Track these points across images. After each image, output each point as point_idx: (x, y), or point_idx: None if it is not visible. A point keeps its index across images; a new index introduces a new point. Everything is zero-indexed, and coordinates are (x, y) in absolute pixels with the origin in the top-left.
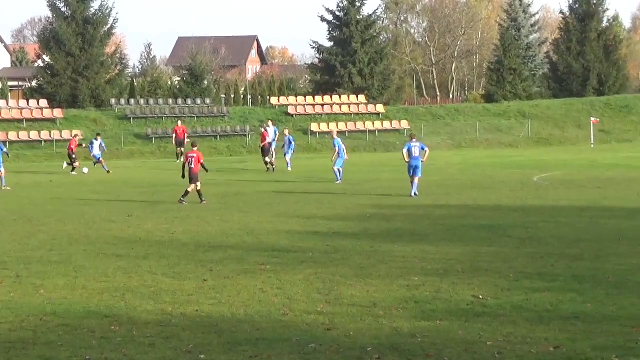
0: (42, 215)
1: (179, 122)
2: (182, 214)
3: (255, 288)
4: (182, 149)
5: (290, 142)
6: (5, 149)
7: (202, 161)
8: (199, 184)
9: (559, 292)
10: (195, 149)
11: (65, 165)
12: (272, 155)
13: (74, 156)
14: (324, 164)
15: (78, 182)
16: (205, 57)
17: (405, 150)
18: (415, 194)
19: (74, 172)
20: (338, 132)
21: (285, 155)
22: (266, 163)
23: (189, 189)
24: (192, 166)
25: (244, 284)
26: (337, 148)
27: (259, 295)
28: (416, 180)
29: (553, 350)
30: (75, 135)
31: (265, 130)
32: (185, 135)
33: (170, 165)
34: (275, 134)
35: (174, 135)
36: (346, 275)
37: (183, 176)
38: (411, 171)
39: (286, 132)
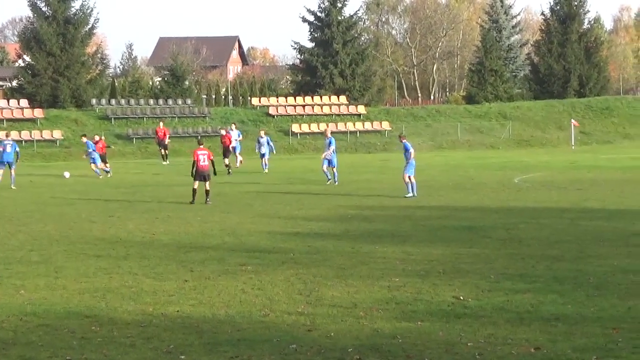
0: (23, 215)
1: (161, 124)
2: (163, 214)
3: (236, 289)
4: (165, 151)
5: (268, 143)
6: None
7: (212, 159)
8: (208, 183)
9: (539, 293)
10: (202, 146)
11: (108, 173)
12: (237, 158)
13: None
14: (305, 165)
15: (59, 182)
16: (186, 57)
17: (413, 151)
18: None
19: (110, 174)
20: (319, 132)
21: (261, 156)
22: (227, 165)
23: (207, 188)
24: (205, 163)
25: (225, 284)
26: (333, 147)
27: (239, 296)
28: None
29: (534, 352)
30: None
31: (228, 132)
32: (167, 136)
33: (151, 167)
34: (239, 137)
35: (156, 136)
36: (327, 276)
37: (192, 174)
38: (413, 171)
39: (262, 133)
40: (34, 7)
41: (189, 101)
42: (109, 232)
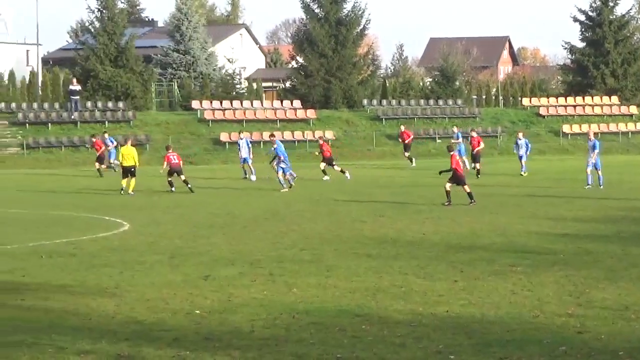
0: (294, 214)
1: (402, 127)
2: (433, 214)
3: (505, 289)
4: (408, 154)
5: (526, 145)
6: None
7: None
8: (466, 186)
9: None
10: (454, 152)
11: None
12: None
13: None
14: (576, 166)
15: (324, 181)
16: (456, 57)
17: None
18: None
19: (327, 177)
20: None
21: (519, 158)
22: (477, 169)
23: (467, 190)
24: (455, 166)
25: (495, 285)
26: (597, 150)
27: (509, 297)
28: None
29: None
30: (321, 138)
31: (477, 134)
32: (411, 138)
33: (418, 170)
34: (459, 138)
35: (400, 139)
36: (597, 278)
37: (440, 173)
38: None
39: (520, 135)
40: (306, 9)
41: (459, 101)
42: (379, 231)
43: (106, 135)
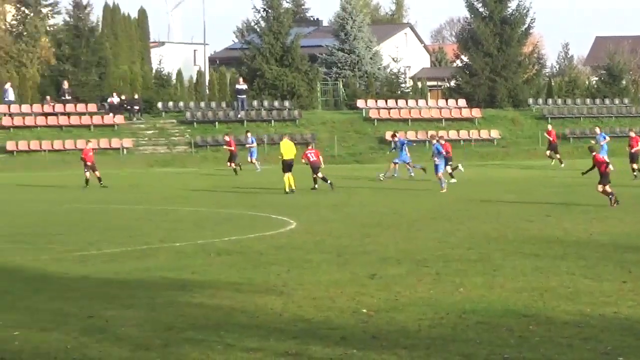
0: (459, 214)
1: (549, 126)
2: (600, 214)
3: None
4: (551, 152)
5: None
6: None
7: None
8: (608, 187)
9: None
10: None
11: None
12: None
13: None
14: None
15: (489, 181)
16: (623, 56)
17: None
18: None
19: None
20: None
21: None
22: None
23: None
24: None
25: None
26: None
27: None
28: None
29: None
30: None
31: (636, 134)
32: (554, 139)
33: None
34: (606, 139)
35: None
36: None
37: (583, 173)
38: None
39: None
40: (471, 7)
41: (626, 101)
42: (546, 231)
43: (249, 134)
